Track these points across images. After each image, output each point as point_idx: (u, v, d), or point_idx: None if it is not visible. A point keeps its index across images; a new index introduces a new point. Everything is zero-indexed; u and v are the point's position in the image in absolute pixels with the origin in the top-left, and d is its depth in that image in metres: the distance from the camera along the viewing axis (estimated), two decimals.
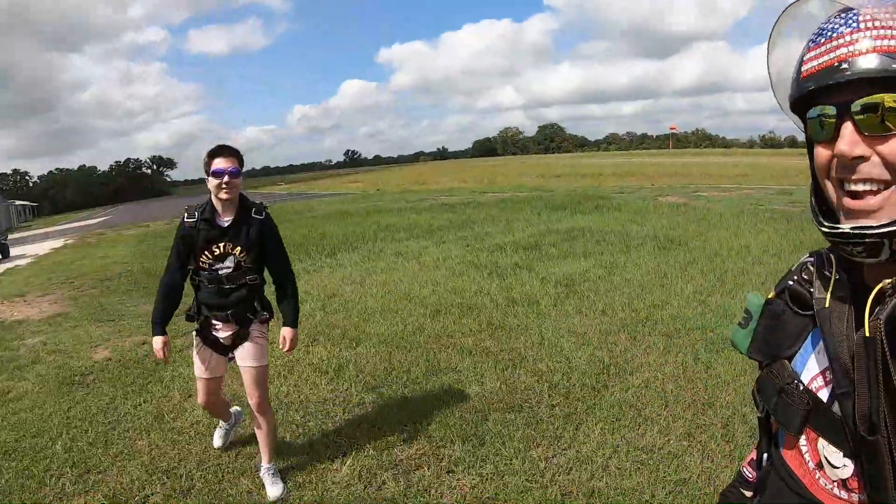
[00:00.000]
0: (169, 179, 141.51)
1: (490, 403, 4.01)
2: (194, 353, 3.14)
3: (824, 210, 0.82)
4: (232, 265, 2.96)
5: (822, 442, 0.84)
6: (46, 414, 4.26)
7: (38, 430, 4.01)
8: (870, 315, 0.74)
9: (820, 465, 0.85)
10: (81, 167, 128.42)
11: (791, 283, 0.91)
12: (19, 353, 5.86)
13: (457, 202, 16.41)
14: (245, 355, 3.07)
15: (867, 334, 0.73)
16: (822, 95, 0.76)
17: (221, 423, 3.58)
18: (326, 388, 4.34)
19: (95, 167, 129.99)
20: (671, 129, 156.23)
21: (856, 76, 0.71)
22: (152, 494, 3.17)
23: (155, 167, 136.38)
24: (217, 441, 3.59)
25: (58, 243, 19.37)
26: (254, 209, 3.01)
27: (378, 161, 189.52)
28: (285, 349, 3.15)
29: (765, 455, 1.05)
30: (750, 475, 1.12)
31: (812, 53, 0.77)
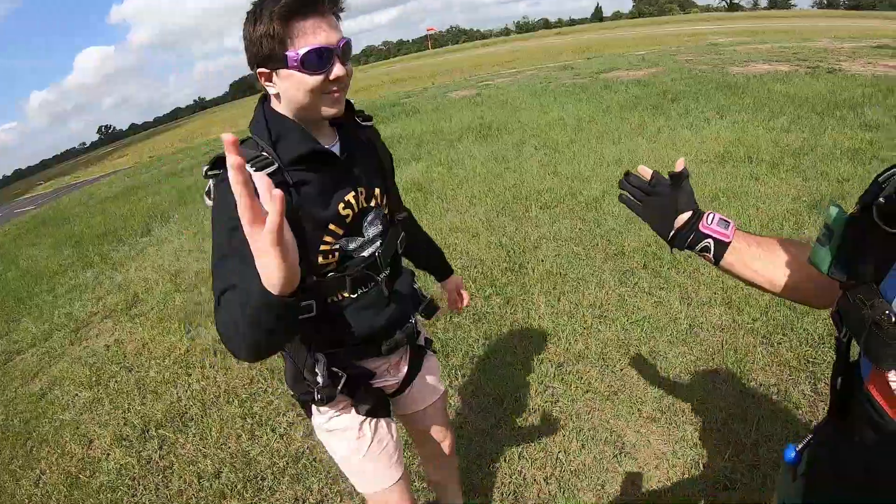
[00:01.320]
0: None
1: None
2: (350, 445, 1.57)
3: None
4: (380, 229, 1.47)
5: None
6: None
7: None
8: None
9: None
10: None
11: (882, 199, 0.80)
12: None
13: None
14: (423, 387, 1.77)
15: None
16: None
17: None
18: (240, 368, 3.67)
19: None
20: (429, 30, 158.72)
21: None
22: None
23: None
24: None
25: None
26: (354, 109, 1.47)
27: (135, 129, 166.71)
28: (463, 305, 2.01)
29: (840, 379, 0.97)
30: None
31: None
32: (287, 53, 1.17)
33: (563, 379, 3.00)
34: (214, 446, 2.95)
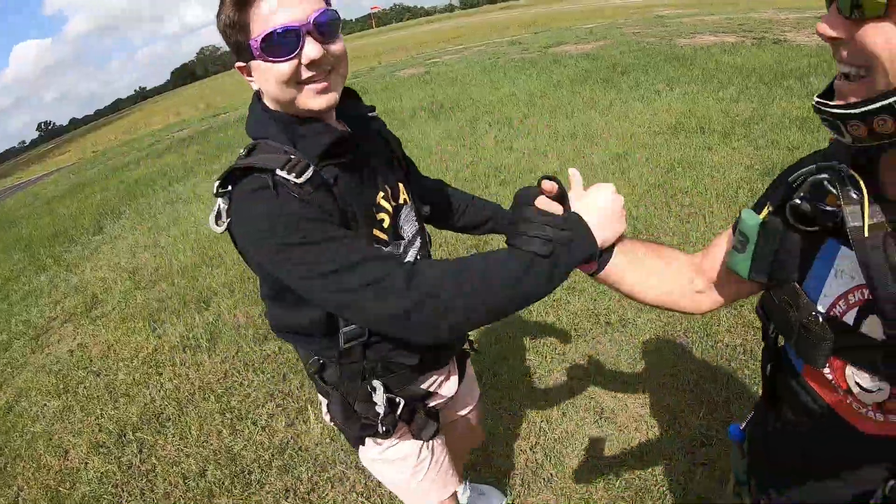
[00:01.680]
0: None
1: None
2: (408, 471, 1.47)
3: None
4: (416, 227, 1.33)
5: (850, 369, 0.81)
6: None
7: None
8: None
9: (849, 391, 0.82)
10: None
11: (798, 200, 0.82)
12: None
13: (194, 133, 14.48)
14: (465, 392, 1.65)
15: None
16: None
17: None
18: (212, 364, 3.63)
19: None
20: (373, 8, 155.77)
21: None
22: None
23: None
24: None
25: None
26: (359, 103, 1.30)
27: (76, 124, 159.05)
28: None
29: (770, 365, 1.01)
30: None
31: None
32: (250, 42, 1.00)
33: (537, 351, 3.08)
34: (196, 445, 2.92)
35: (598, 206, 1.00)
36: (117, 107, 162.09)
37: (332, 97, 1.07)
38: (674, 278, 1.08)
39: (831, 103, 0.69)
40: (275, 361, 3.44)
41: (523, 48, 15.39)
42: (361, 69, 19.07)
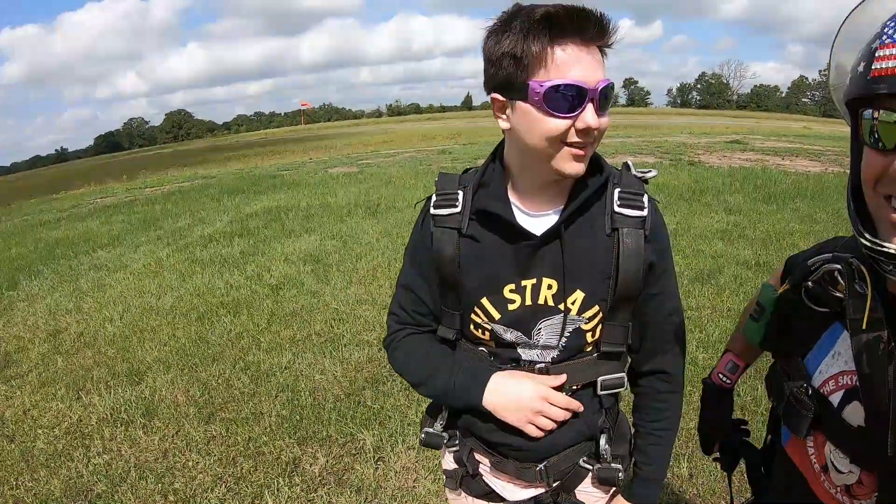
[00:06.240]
0: None
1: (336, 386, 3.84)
2: None
3: (863, 215, 0.77)
4: (560, 342, 1.16)
5: (829, 446, 0.87)
6: None
7: None
8: None
9: (825, 469, 0.87)
10: None
11: (811, 283, 0.89)
12: None
13: (119, 202, 13.88)
14: None
15: None
16: (891, 100, 0.67)
17: None
18: (149, 440, 3.42)
19: None
20: (303, 105, 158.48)
21: None
22: None
23: None
24: None
25: None
26: (609, 176, 1.14)
27: None
28: None
29: (769, 436, 1.15)
30: (727, 381, 1.26)
31: (888, 52, 0.67)
32: (530, 82, 0.94)
33: None
34: None
35: (512, 388, 1.15)
36: (35, 164, 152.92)
37: (583, 167, 1.03)
38: None
39: (887, 245, 0.71)
40: (223, 443, 3.30)
41: (454, 157, 16.23)
42: (289, 162, 19.30)
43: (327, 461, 3.07)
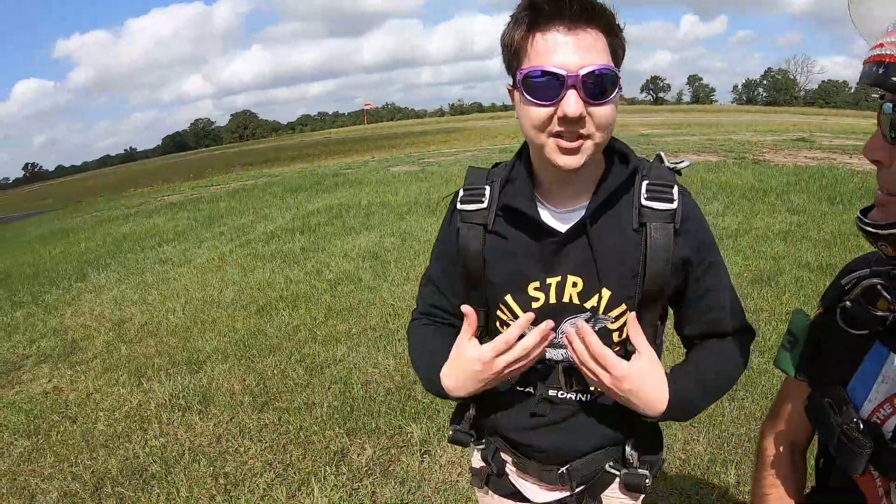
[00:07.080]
0: None
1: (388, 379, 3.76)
2: None
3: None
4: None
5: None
6: None
7: None
8: None
9: (888, 494, 0.82)
10: None
11: (848, 303, 0.81)
12: None
13: (185, 200, 14.50)
14: None
15: None
16: None
17: None
18: (204, 426, 3.45)
19: None
20: (366, 105, 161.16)
21: None
22: None
23: None
24: None
25: None
26: (636, 168, 1.07)
27: (62, 171, 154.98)
28: None
29: (822, 459, 1.00)
30: None
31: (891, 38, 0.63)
32: (518, 70, 0.93)
33: None
34: None
35: (454, 368, 1.09)
36: (105, 162, 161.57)
37: (576, 160, 0.94)
38: None
39: (866, 220, 0.71)
40: (274, 431, 3.29)
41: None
42: (353, 161, 19.62)
43: (374, 452, 3.01)
